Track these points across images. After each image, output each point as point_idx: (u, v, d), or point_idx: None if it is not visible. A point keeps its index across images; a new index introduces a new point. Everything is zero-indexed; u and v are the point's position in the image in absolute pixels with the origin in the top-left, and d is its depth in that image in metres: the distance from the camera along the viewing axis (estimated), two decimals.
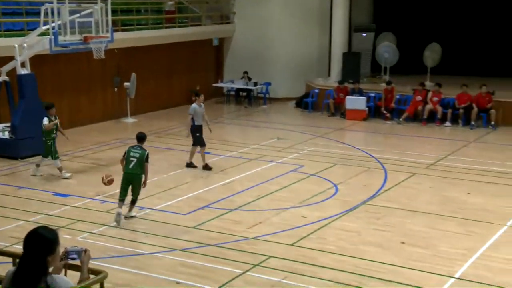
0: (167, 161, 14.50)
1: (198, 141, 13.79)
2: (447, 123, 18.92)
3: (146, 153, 10.33)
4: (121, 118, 19.80)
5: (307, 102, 21.81)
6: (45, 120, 12.95)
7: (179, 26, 22.44)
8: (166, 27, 21.68)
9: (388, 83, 20.22)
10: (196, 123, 13.81)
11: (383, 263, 8.65)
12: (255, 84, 23.04)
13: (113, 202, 11.18)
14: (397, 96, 20.21)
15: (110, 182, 11.41)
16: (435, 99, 19.27)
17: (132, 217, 10.57)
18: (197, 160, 13.83)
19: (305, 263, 8.67)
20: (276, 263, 8.66)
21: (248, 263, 8.64)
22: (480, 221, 10.39)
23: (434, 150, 15.70)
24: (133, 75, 19.09)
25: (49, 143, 12.95)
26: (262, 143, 16.22)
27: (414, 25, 24.26)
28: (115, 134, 17.64)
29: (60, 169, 13.09)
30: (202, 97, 14.07)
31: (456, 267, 8.47)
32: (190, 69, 23.28)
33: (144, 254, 9.05)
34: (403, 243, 9.42)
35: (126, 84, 19.22)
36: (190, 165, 13.85)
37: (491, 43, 23.39)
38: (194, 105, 13.89)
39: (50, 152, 12.98)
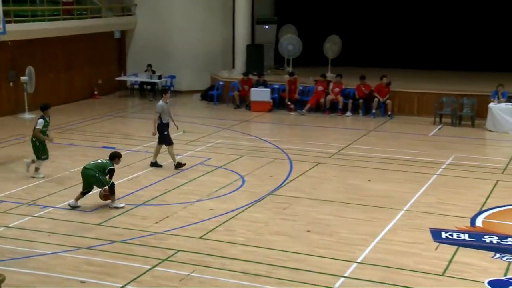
0: (70, 157, 14.04)
1: (165, 140, 13.37)
2: (348, 113, 19.56)
3: None
4: (18, 114, 18.91)
5: (212, 95, 21.81)
6: (40, 123, 12.41)
7: (78, 18, 21.68)
8: (64, 19, 20.88)
9: (291, 74, 20.60)
10: (163, 121, 13.38)
11: (291, 252, 8.84)
12: (160, 77, 22.74)
13: (12, 202, 10.71)
14: (300, 87, 20.64)
15: (106, 197, 10.87)
16: (337, 89, 19.85)
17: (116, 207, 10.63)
18: (162, 158, 13.47)
19: (213, 255, 8.70)
20: (185, 257, 8.63)
21: (156, 258, 8.56)
22: (380, 207, 10.84)
23: (337, 140, 16.18)
24: (30, 68, 18.27)
25: (38, 144, 12.43)
26: None
27: (314, 17, 24.85)
28: (12, 130, 16.83)
29: (37, 168, 12.50)
30: (168, 94, 13.76)
31: (358, 252, 8.80)
32: (91, 62, 22.58)
33: (46, 254, 8.72)
34: (308, 231, 9.67)
35: (23, 78, 18.38)
36: (155, 164, 13.41)
37: (387, 35, 24.38)
38: (161, 102, 13.45)
39: (37, 152, 12.40)
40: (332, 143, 15.70)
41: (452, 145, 15.57)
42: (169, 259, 8.57)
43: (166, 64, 23.33)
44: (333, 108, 19.88)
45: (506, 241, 9.22)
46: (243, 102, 20.82)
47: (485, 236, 9.41)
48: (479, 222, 10.09)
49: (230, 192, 11.68)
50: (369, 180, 12.48)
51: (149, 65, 22.88)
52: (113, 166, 10.88)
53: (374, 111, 19.27)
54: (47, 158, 12.60)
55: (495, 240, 9.27)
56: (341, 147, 15.29)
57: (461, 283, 7.82)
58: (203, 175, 12.74)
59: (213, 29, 23.85)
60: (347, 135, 16.87)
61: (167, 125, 13.38)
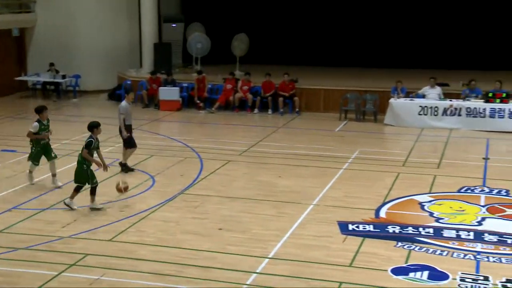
0: None
1: (131, 142, 12.92)
2: (257, 111, 19.79)
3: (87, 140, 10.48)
4: None
5: (119, 94, 21.34)
6: (35, 127, 11.64)
7: None
8: None
9: (199, 72, 20.57)
10: (126, 123, 12.90)
11: (202, 250, 8.84)
12: (63, 76, 22.01)
13: None
14: (209, 86, 20.65)
15: (125, 189, 10.97)
16: (245, 87, 20.02)
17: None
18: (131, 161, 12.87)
19: (124, 257, 8.55)
20: (93, 261, 8.42)
21: (63, 263, 8.30)
22: (290, 202, 11.05)
23: (247, 137, 16.33)
24: None
25: (33, 150, 11.84)
26: (74, 138, 15.60)
27: (221, 15, 24.94)
28: None
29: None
30: (132, 95, 13.28)
31: (269, 247, 8.94)
32: None
33: None
34: (220, 229, 9.70)
35: None
36: (126, 168, 12.92)
37: (294, 33, 24.87)
38: (124, 103, 12.98)
39: (31, 156, 11.87)
40: (242, 141, 15.82)
41: (356, 140, 16.12)
42: (77, 263, 8.33)
43: (70, 63, 22.62)
44: (242, 106, 20.03)
45: (407, 230, 9.67)
46: (152, 101, 20.55)
47: (388, 227, 9.82)
48: (383, 213, 10.51)
49: (141, 193, 11.51)
50: (279, 176, 12.69)
51: (52, 64, 22.11)
52: (91, 138, 10.51)
53: (281, 109, 19.59)
54: (37, 164, 11.95)
55: (397, 229, 9.70)
56: (250, 144, 15.44)
57: (367, 272, 8.12)
58: (112, 176, 12.45)
59: (119, 27, 23.39)
60: (257, 133, 17.05)
61: (130, 127, 13.05)
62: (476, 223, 10.01)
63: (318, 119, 18.94)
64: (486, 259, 8.57)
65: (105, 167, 10.88)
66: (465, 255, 8.71)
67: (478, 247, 9.02)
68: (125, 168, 12.87)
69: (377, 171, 13.09)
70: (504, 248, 8.99)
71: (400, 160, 14.07)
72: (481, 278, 7.96)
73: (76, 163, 10.68)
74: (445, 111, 17.55)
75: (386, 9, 24.13)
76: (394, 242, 9.16)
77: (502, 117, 17.01)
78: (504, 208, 10.68)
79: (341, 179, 12.55)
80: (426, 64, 22.47)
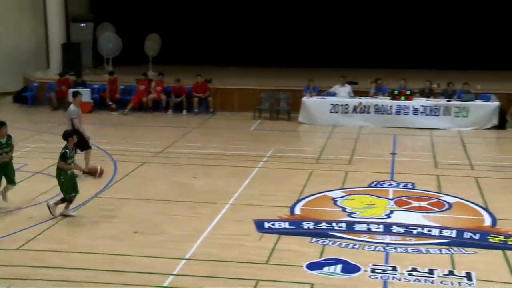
0: None
1: (86, 144, 12.52)
2: (170, 111, 19.65)
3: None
4: None
5: (26, 97, 20.59)
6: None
7: None
8: None
9: (111, 73, 20.18)
10: (76, 126, 12.35)
11: (116, 254, 8.67)
12: None
13: None
14: (122, 87, 20.29)
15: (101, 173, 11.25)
16: (159, 88, 19.82)
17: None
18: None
19: (32, 266, 8.24)
20: (0, 272, 8.07)
21: None
22: (206, 202, 11.04)
23: (161, 138, 16.17)
24: None
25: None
26: None
27: (132, 15, 24.56)
28: None
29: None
30: (80, 97, 12.69)
31: (186, 248, 8.90)
32: None
33: None
34: (136, 232, 9.56)
35: None
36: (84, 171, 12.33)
37: (207, 33, 24.87)
38: (73, 107, 12.46)
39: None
40: (157, 142, 15.66)
41: (271, 139, 16.35)
42: None
43: None
44: (156, 106, 19.82)
45: (321, 226, 9.91)
46: (62, 104, 19.92)
47: (303, 223, 10.03)
48: (297, 210, 10.72)
49: (51, 198, 11.14)
50: (194, 177, 12.66)
51: None
52: (66, 149, 10.16)
53: (196, 110, 19.55)
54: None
55: (311, 225, 9.92)
56: (165, 145, 15.31)
57: (283, 269, 8.26)
58: (20, 181, 11.95)
59: (24, 27, 22.55)
60: (171, 133, 16.92)
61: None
62: (385, 216, 10.41)
63: (233, 119, 19.05)
64: (394, 250, 8.94)
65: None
66: (375, 247, 9.04)
67: (387, 239, 9.38)
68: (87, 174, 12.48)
69: (291, 168, 13.33)
70: (410, 239, 9.41)
71: (314, 157, 14.39)
72: (390, 268, 8.29)
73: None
74: (355, 109, 18.13)
75: (298, 8, 24.60)
76: (309, 238, 9.37)
77: (407, 113, 17.78)
78: (410, 201, 11.18)
79: (256, 177, 12.69)
80: (336, 63, 23.13)
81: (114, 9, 24.50)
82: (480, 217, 10.32)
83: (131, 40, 22.63)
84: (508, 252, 8.78)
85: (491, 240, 9.29)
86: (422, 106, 17.71)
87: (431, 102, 17.78)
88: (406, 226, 9.90)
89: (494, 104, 17.47)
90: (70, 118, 12.61)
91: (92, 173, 11.55)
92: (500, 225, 9.86)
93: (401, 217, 10.36)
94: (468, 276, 8.00)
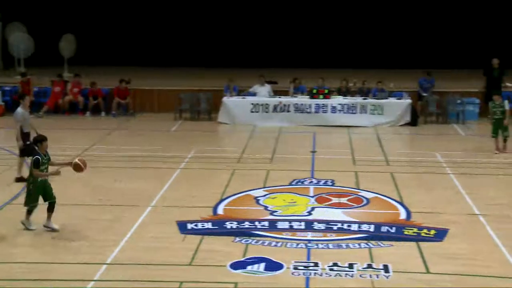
0: None
1: (26, 151, 11.58)
2: (88, 114, 19.20)
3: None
4: None
5: None
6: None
7: None
8: None
9: (23, 74, 19.49)
10: (24, 130, 11.74)
11: (35, 262, 8.41)
12: None
13: None
14: (36, 89, 19.62)
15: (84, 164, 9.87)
16: (75, 90, 19.33)
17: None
18: None
19: None
20: None
21: None
22: (127, 205, 10.89)
23: (79, 141, 15.79)
24: None
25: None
26: None
27: (45, 15, 23.81)
28: None
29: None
30: (27, 100, 12.12)
31: (107, 253, 8.73)
32: None
33: None
34: (54, 238, 9.30)
35: None
36: (20, 179, 11.64)
37: (123, 34, 24.47)
38: (20, 109, 11.77)
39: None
40: (75, 145, 15.26)
41: (192, 139, 16.32)
42: None
43: None
44: (73, 108, 19.31)
45: (244, 225, 10.01)
46: None
47: (226, 223, 10.09)
48: (220, 210, 10.76)
49: None
50: (115, 180, 12.44)
51: None
52: (37, 155, 9.47)
53: (114, 112, 19.22)
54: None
55: (234, 225, 9.99)
56: (84, 148, 14.96)
57: (207, 269, 8.28)
58: None
59: None
60: (90, 136, 16.56)
61: (27, 135, 11.97)
62: (307, 213, 10.64)
63: (153, 120, 18.86)
64: (316, 247, 9.15)
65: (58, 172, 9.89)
66: (298, 244, 9.22)
67: (309, 235, 9.60)
68: (21, 180, 11.88)
69: (213, 169, 13.35)
70: (331, 235, 9.67)
71: (235, 157, 14.49)
72: (312, 264, 8.49)
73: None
74: (275, 108, 18.39)
75: (214, 8, 24.66)
76: (232, 238, 9.43)
77: (326, 112, 18.24)
78: (330, 197, 11.48)
79: (178, 178, 12.64)
80: (255, 63, 23.36)
81: (25, 8, 23.64)
82: (396, 211, 10.75)
83: (45, 40, 21.92)
84: (422, 244, 9.19)
85: (406, 232, 9.70)
86: (339, 104, 18.20)
87: (348, 100, 18.31)
88: (327, 222, 10.15)
89: (407, 101, 18.21)
90: (15, 121, 12.19)
91: (78, 168, 9.97)
92: (414, 218, 10.31)
93: (322, 213, 10.61)
94: (385, 269, 8.31)
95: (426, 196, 11.53)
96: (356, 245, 9.20)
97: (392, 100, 18.33)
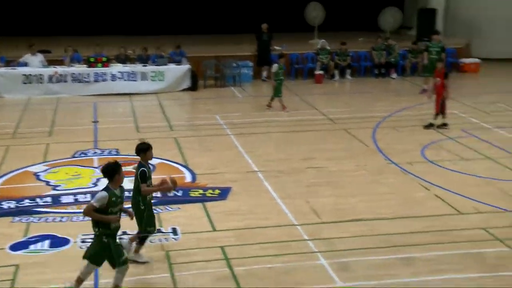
0: None
1: None
2: None
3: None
4: None
5: None
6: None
7: None
8: None
9: None
10: None
11: None
12: None
13: None
14: None
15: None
16: None
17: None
18: None
19: None
20: None
21: None
22: None
23: None
24: None
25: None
26: None
27: None
28: None
29: None
30: None
31: None
32: None
33: None
34: None
35: None
36: None
37: None
38: None
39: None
40: None
41: None
42: None
43: None
44: None
45: (23, 203, 9.43)
46: None
47: (3, 203, 9.40)
48: None
49: None
50: None
51: None
52: (143, 167, 7.46)
53: None
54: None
55: (13, 204, 9.36)
56: None
57: None
58: None
59: None
60: None
61: None
62: (92, 185, 10.36)
63: None
64: None
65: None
66: (84, 217, 8.95)
67: None
68: None
69: None
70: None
71: (9, 132, 13.50)
72: None
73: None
74: (50, 79, 17.41)
75: None
76: (11, 218, 8.84)
77: (106, 80, 17.76)
78: None
79: None
80: (23, 31, 21.77)
81: None
82: (182, 175, 10.96)
83: None
84: (207, 204, 9.54)
85: (192, 194, 9.97)
86: (119, 72, 17.84)
87: (128, 68, 18.03)
88: None
89: (186, 67, 18.47)
90: None
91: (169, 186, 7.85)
92: (199, 180, 10.64)
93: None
94: (174, 231, 8.49)
95: (209, 157, 11.94)
96: None
97: (172, 66, 18.44)
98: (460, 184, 10.33)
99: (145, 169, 7.46)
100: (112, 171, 6.55)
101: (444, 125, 13.80)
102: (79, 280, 6.66)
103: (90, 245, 6.79)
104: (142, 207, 7.47)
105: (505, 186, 10.25)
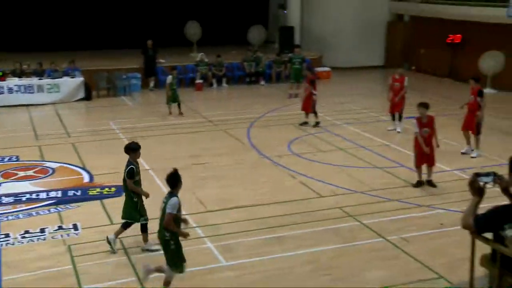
0: None
1: None
2: None
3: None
4: None
5: None
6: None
7: None
8: None
9: None
10: None
11: None
12: None
13: None
14: None
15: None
16: None
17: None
18: None
19: None
20: None
21: None
22: None
23: None
24: None
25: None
26: None
27: None
28: None
29: None
30: None
31: None
32: None
33: None
34: None
35: None
36: None
37: None
38: None
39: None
40: None
41: None
42: None
43: None
44: None
45: None
46: None
47: None
48: None
49: None
50: None
51: None
52: (132, 165, 7.19)
53: None
54: None
55: None
56: None
57: None
58: None
59: None
60: None
61: None
62: None
63: None
64: (6, 219, 8.40)
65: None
66: None
67: None
68: None
69: None
70: (21, 206, 8.98)
71: None
72: (3, 236, 7.80)
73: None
74: None
75: None
76: None
77: (3, 93, 16.60)
78: (16, 172, 10.62)
79: None
80: None
81: None
82: (80, 176, 10.51)
83: None
84: (105, 200, 9.22)
85: (90, 193, 9.59)
86: (16, 85, 16.71)
87: (25, 81, 16.92)
88: (15, 195, 9.38)
89: (80, 79, 17.66)
90: None
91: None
92: (97, 180, 10.24)
93: (10, 188, 9.76)
94: (75, 227, 8.12)
95: (106, 159, 11.50)
96: (46, 211, 8.76)
97: (66, 79, 17.55)
98: (320, 172, 10.79)
99: (133, 167, 7.29)
100: (176, 178, 6.18)
101: (317, 123, 14.22)
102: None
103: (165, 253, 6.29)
104: (135, 199, 7.38)
105: (353, 172, 10.86)
